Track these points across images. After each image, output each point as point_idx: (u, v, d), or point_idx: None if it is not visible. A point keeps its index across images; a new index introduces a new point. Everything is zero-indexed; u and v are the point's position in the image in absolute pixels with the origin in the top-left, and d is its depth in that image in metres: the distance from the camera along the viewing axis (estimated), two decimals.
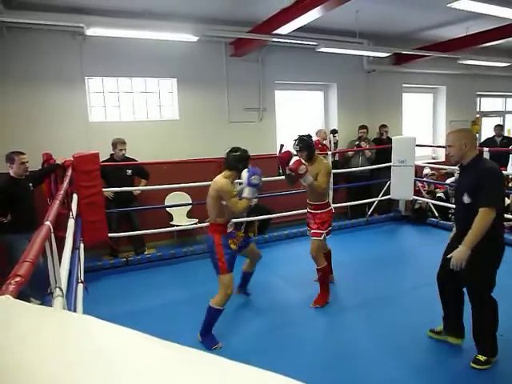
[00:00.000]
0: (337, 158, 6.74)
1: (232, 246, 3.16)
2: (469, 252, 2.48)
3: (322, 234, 3.62)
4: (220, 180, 3.05)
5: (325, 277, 3.73)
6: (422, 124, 8.64)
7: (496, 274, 2.64)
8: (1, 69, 4.79)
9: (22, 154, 3.80)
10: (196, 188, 5.41)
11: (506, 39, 6.13)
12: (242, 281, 3.88)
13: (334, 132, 6.89)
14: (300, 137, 3.57)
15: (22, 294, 1.05)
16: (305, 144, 3.52)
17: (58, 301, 1.63)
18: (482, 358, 2.65)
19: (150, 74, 5.69)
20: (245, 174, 3.09)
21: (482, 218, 2.44)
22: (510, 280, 4.03)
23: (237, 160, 3.06)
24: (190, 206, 5.77)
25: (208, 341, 3.04)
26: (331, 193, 5.55)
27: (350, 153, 6.77)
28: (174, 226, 5.47)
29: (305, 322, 3.39)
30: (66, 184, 3.36)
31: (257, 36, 5.32)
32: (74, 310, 2.24)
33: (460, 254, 2.50)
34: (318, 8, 4.21)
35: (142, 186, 5.18)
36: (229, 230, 3.18)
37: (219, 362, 0.45)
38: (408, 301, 3.71)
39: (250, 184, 3.04)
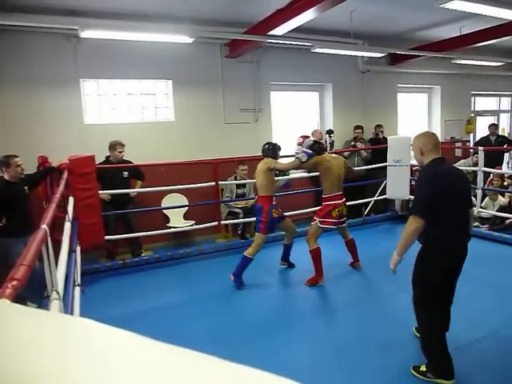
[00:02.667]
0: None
1: (274, 214, 4.15)
2: (398, 258, 2.45)
3: (316, 220, 4.19)
4: (265, 160, 4.23)
5: (316, 259, 4.12)
6: (417, 124, 8.68)
7: (443, 287, 2.45)
8: None
9: (16, 156, 3.79)
10: (192, 190, 5.41)
11: (500, 39, 6.17)
12: (283, 253, 4.67)
13: (329, 132, 6.88)
14: (314, 141, 4.24)
15: (18, 298, 1.05)
16: (315, 148, 4.12)
17: (55, 304, 1.63)
18: (423, 367, 2.54)
19: (145, 76, 5.68)
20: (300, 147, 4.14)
21: (407, 225, 2.38)
22: (507, 279, 4.07)
23: (269, 150, 4.29)
24: (186, 208, 5.76)
25: (238, 282, 4.12)
26: None
27: (345, 153, 6.78)
28: (170, 227, 5.47)
29: (301, 321, 3.39)
30: (61, 187, 3.35)
31: (252, 37, 5.33)
32: (71, 313, 2.24)
33: (391, 260, 2.50)
34: (313, 9, 4.23)
35: (137, 188, 5.17)
36: (274, 202, 4.20)
37: (218, 364, 0.45)
38: (404, 299, 3.73)
39: (304, 151, 4.05)
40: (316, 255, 4.12)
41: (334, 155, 4.45)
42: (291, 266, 4.68)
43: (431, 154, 2.46)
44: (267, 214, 4.09)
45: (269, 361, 2.68)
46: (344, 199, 4.26)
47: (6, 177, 3.74)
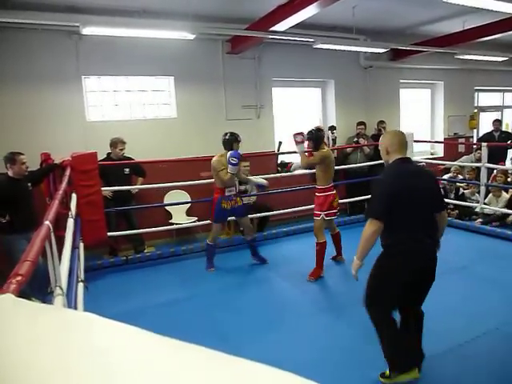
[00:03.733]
0: (335, 154, 6.74)
1: (223, 205, 4.41)
2: (358, 263, 2.38)
3: (321, 214, 4.23)
4: (214, 158, 4.41)
5: (320, 252, 4.23)
6: (420, 119, 8.65)
7: (397, 296, 2.41)
8: None
9: (22, 154, 3.80)
10: (194, 186, 5.42)
11: (504, 33, 6.13)
12: (250, 249, 4.79)
13: (332, 128, 6.89)
14: (311, 130, 4.33)
15: (22, 293, 1.06)
16: (313, 135, 4.26)
17: (59, 299, 1.64)
18: (386, 372, 2.48)
19: (147, 73, 5.68)
20: (228, 155, 4.23)
21: (365, 228, 2.31)
22: (508, 276, 4.07)
23: (224, 142, 4.42)
24: (188, 204, 5.77)
25: (208, 265, 4.61)
26: None
27: (348, 149, 6.78)
28: (173, 224, 5.48)
29: (303, 319, 3.40)
30: (64, 184, 3.37)
31: (253, 33, 5.31)
32: (75, 309, 2.25)
33: (352, 265, 2.44)
34: (315, 4, 4.21)
35: (139, 184, 5.19)
36: (226, 194, 4.40)
37: (222, 359, 0.45)
38: None
39: (229, 162, 4.21)
40: (322, 248, 4.24)
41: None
42: (262, 261, 4.75)
43: (396, 154, 2.38)
44: (214, 206, 4.43)
45: (272, 357, 2.69)
46: (335, 191, 4.39)
47: (10, 173, 3.75)
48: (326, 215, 4.24)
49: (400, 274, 2.33)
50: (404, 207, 2.26)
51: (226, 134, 4.45)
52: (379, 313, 2.42)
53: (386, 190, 2.30)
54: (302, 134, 4.25)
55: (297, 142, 4.21)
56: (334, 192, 4.33)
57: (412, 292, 2.42)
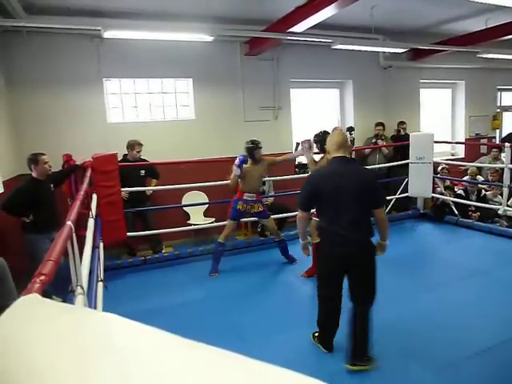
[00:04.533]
0: (353, 155, 6.68)
1: (238, 206, 4.59)
2: (301, 242, 2.90)
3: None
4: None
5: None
6: (440, 120, 8.49)
7: (327, 272, 2.70)
8: (21, 72, 4.92)
9: (43, 154, 3.90)
10: (212, 187, 5.45)
11: None
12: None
13: (350, 129, 6.83)
14: (318, 132, 4.29)
15: (44, 292, 1.08)
16: (319, 138, 4.18)
17: (80, 298, 1.68)
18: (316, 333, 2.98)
19: (166, 75, 5.75)
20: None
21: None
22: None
23: (246, 150, 4.52)
24: (206, 206, 5.81)
25: (212, 269, 4.59)
26: None
27: (366, 150, 6.71)
28: (190, 224, 5.52)
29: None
30: (85, 184, 3.43)
31: (271, 35, 5.32)
32: (95, 308, 2.29)
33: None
34: (333, 5, 4.18)
35: (153, 186, 5.27)
36: (244, 197, 4.57)
37: (235, 359, 0.46)
38: (424, 299, 3.67)
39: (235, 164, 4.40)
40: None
41: None
42: (292, 260, 4.81)
43: (334, 153, 2.64)
44: (231, 204, 4.62)
45: (285, 357, 2.69)
46: None
47: (34, 174, 3.85)
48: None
49: (323, 260, 2.70)
50: (324, 203, 2.60)
51: (248, 142, 4.57)
52: (318, 286, 2.82)
53: (305, 187, 2.70)
54: (309, 140, 4.27)
55: (304, 149, 4.24)
56: None
57: (348, 280, 2.66)
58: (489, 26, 6.33)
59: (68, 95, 5.18)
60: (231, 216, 4.64)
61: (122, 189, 4.82)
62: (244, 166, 4.43)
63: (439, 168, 6.79)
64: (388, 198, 6.38)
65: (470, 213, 6.11)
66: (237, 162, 4.35)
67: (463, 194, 6.27)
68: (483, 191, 6.31)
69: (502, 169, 5.64)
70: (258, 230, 5.86)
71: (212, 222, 5.54)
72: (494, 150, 7.01)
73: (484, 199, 6.17)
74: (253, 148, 4.51)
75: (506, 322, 3.16)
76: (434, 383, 2.51)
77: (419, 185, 6.17)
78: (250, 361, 0.45)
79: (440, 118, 8.49)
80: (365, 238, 2.59)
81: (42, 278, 1.14)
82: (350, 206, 2.52)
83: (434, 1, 5.45)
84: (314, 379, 0.41)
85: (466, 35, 6.76)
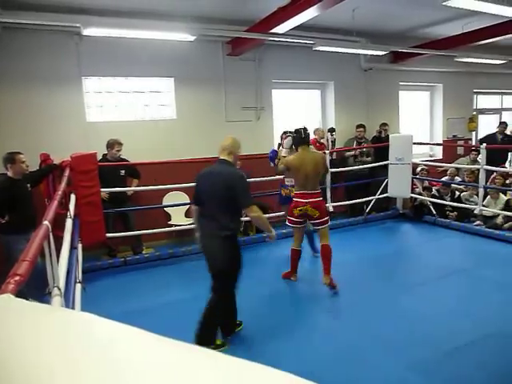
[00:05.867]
0: (334, 156, 6.75)
1: (282, 192, 4.89)
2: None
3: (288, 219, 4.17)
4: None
5: (291, 257, 4.22)
6: (419, 122, 8.66)
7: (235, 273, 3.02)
8: None
9: (20, 153, 3.80)
10: (193, 188, 5.40)
11: (503, 36, 6.15)
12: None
13: (331, 131, 6.90)
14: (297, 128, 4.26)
15: (20, 294, 1.05)
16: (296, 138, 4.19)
17: (56, 300, 1.64)
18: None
19: (147, 74, 5.68)
20: None
21: None
22: (507, 277, 4.07)
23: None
24: (187, 206, 5.76)
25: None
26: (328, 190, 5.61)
27: (347, 153, 6.80)
28: (172, 225, 5.47)
29: (300, 319, 3.40)
30: (63, 184, 3.36)
31: (254, 35, 5.32)
32: (72, 309, 2.24)
33: None
34: (315, 7, 4.22)
35: (134, 186, 5.19)
36: (285, 183, 4.77)
37: (220, 359, 0.45)
38: (405, 300, 3.73)
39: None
40: (291, 254, 4.22)
41: (312, 150, 4.45)
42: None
43: (219, 155, 3.05)
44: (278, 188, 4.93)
45: (267, 357, 2.69)
46: (313, 200, 3.91)
47: (10, 174, 3.75)
48: (289, 221, 4.14)
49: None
50: (201, 197, 2.97)
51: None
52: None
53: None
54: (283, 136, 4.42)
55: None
56: (300, 201, 3.94)
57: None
58: (465, 31, 6.50)
59: (46, 93, 5.05)
60: (280, 201, 4.97)
61: (102, 189, 4.75)
62: None
63: (419, 169, 6.94)
64: (368, 198, 6.49)
65: (448, 213, 6.25)
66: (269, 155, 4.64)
67: (437, 194, 6.43)
68: (457, 192, 6.47)
69: (478, 170, 5.79)
70: (241, 229, 5.84)
71: (193, 223, 5.49)
72: (472, 152, 7.19)
73: (459, 200, 6.33)
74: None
75: (482, 318, 3.24)
76: (412, 380, 2.55)
77: (398, 185, 6.28)
78: (235, 360, 0.44)
79: (419, 119, 8.66)
80: (217, 231, 2.87)
81: (17, 278, 1.11)
82: (211, 202, 2.90)
83: (414, 5, 5.56)
84: (303, 379, 0.41)
85: (443, 39, 6.93)
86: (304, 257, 4.61)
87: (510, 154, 8.26)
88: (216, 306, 2.92)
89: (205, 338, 2.83)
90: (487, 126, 9.09)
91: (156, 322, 3.32)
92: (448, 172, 6.76)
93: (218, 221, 2.87)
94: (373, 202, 6.47)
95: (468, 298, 3.69)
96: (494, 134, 7.64)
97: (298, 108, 7.18)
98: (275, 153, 4.55)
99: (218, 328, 2.99)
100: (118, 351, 0.46)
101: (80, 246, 3.81)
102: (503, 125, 7.68)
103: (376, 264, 4.49)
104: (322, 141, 6.60)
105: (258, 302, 3.81)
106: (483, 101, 9.67)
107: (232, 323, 3.20)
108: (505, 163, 7.63)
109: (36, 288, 2.85)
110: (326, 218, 3.98)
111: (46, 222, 1.71)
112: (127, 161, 5.13)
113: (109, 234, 4.73)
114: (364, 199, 6.49)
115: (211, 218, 2.90)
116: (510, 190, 5.95)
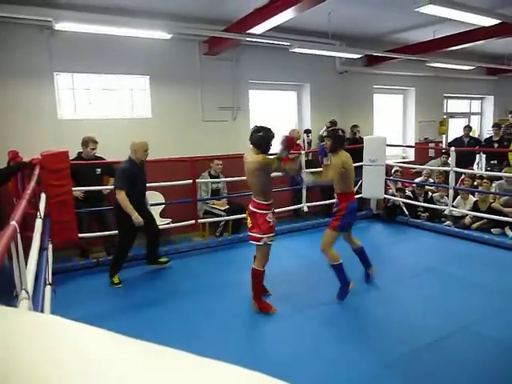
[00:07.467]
0: (310, 157, 6.82)
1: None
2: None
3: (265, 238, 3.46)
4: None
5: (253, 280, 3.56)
6: (392, 124, 8.86)
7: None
8: None
9: None
10: (169, 188, 5.35)
11: (471, 43, 6.37)
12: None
13: (307, 132, 6.98)
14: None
15: None
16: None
17: (24, 303, 1.59)
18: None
19: (122, 71, 5.58)
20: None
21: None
22: (475, 276, 4.21)
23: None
24: (163, 206, 5.70)
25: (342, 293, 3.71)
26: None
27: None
28: None
29: (270, 322, 3.42)
30: (33, 183, 3.26)
31: (231, 35, 5.31)
32: (41, 312, 2.18)
33: None
34: (292, 9, 4.26)
35: (110, 185, 5.08)
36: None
37: (198, 361, 0.45)
38: (380, 297, 3.81)
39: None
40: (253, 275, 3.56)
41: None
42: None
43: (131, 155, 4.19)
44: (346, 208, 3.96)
45: (243, 360, 2.69)
46: (251, 210, 3.54)
47: None
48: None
49: None
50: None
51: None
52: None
53: (121, 174, 4.11)
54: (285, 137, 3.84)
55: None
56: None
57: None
58: (436, 37, 6.70)
59: (15, 88, 4.89)
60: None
61: (77, 188, 4.63)
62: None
63: (393, 171, 7.10)
64: None
65: (420, 213, 6.42)
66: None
67: (411, 195, 6.60)
68: (430, 193, 6.67)
69: (448, 171, 5.98)
70: (217, 234, 5.81)
71: (168, 223, 5.44)
72: (443, 155, 7.41)
73: (431, 200, 6.52)
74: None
75: (451, 315, 3.35)
76: (387, 377, 2.60)
77: (372, 186, 6.41)
78: (203, 360, 0.44)
79: (392, 122, 8.87)
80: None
81: None
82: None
83: (388, 10, 5.69)
84: (275, 379, 0.41)
85: (415, 44, 7.13)
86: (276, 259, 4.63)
87: (477, 156, 8.59)
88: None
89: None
90: (457, 129, 9.41)
91: (126, 323, 3.28)
92: (423, 173, 6.99)
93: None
94: None
95: (438, 295, 3.80)
96: (461, 137, 7.92)
97: (274, 109, 7.22)
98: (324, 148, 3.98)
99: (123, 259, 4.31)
100: (84, 353, 0.45)
101: (50, 246, 3.70)
102: (467, 128, 7.98)
103: (348, 264, 4.55)
104: (298, 142, 6.65)
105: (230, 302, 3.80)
106: (453, 105, 10.00)
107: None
108: (473, 165, 7.92)
109: (3, 291, 2.75)
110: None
111: (13, 222, 1.65)
112: (103, 159, 5.01)
113: (81, 235, 4.61)
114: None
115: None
116: (477, 192, 6.17)
